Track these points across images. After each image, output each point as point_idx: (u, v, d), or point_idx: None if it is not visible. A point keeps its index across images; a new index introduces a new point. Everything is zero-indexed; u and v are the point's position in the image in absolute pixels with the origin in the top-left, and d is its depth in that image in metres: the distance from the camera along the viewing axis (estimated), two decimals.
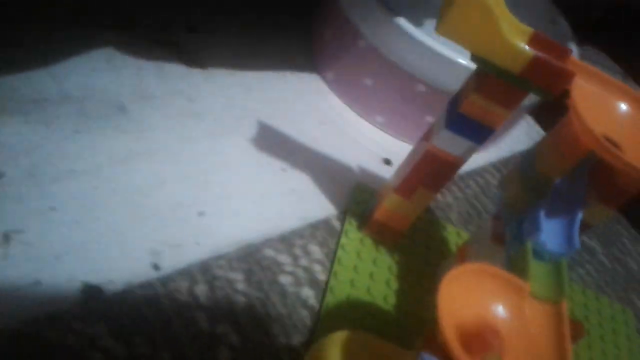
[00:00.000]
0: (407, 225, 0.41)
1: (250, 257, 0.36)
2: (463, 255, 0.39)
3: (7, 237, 0.31)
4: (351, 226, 0.42)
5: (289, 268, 0.37)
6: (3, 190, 0.32)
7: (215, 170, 0.39)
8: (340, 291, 0.38)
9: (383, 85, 0.50)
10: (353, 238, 0.41)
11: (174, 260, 0.34)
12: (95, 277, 0.31)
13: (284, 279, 0.36)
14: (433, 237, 0.45)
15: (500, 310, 0.30)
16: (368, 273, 0.40)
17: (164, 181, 0.37)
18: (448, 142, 0.35)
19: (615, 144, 0.32)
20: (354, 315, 0.37)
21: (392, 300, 0.39)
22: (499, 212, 0.37)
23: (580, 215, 0.33)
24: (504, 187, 0.37)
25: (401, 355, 0.32)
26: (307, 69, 0.51)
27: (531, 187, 0.34)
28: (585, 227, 0.35)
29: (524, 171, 0.35)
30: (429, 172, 0.37)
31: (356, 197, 0.44)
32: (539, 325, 0.30)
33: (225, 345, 0.31)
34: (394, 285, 0.40)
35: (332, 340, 0.31)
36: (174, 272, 0.33)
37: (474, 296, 0.29)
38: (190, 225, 0.36)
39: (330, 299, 0.37)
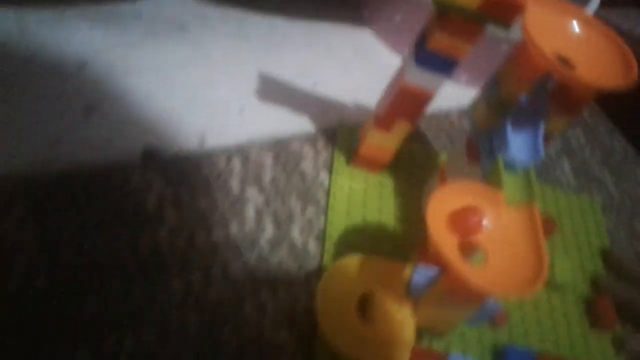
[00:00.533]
0: (390, 155, 0.44)
1: (278, 145, 0.45)
2: (443, 175, 0.43)
3: (88, 108, 0.41)
4: (340, 163, 0.45)
5: (309, 158, 0.45)
6: (86, 76, 0.43)
7: (256, 78, 0.49)
8: (339, 222, 0.41)
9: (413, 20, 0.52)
10: (343, 173, 0.45)
11: (216, 142, 0.43)
12: (153, 143, 0.41)
13: (304, 165, 0.45)
14: (415, 162, 0.48)
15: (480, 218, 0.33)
16: (361, 202, 0.43)
17: (213, 83, 0.47)
18: (419, 77, 0.38)
19: (568, 62, 0.35)
20: (353, 241, 0.41)
21: (385, 222, 0.43)
22: (472, 133, 0.40)
23: (542, 127, 0.36)
24: (473, 109, 0.40)
25: (400, 269, 0.36)
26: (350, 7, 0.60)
27: (496, 107, 0.37)
28: (548, 136, 0.38)
29: (490, 95, 0.38)
30: (405, 106, 0.40)
31: (342, 136, 0.47)
32: (515, 227, 0.34)
33: (251, 204, 0.41)
34: (386, 209, 0.44)
35: (338, 268, 0.36)
36: (216, 149, 0.42)
37: (457, 210, 0.33)
38: (232, 117, 0.45)
39: (330, 231, 0.41)
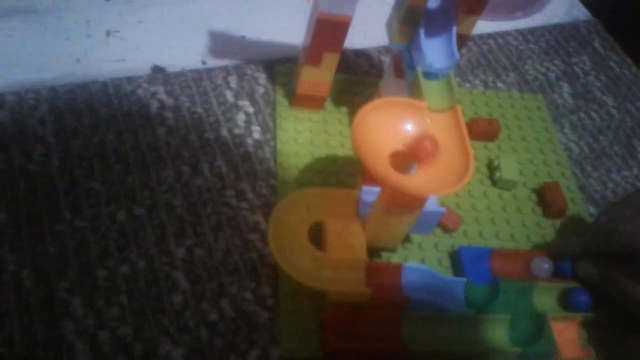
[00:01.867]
0: (327, 90, 0.47)
1: (274, 65, 0.51)
2: (379, 96, 0.46)
3: (108, 33, 0.51)
4: (282, 106, 0.48)
5: None
6: (110, 6, 0.52)
7: (256, 7, 0.56)
8: (288, 164, 0.45)
9: None
10: (286, 116, 0.48)
11: (217, 61, 0.51)
12: (161, 62, 0.50)
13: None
14: (354, 92, 0.51)
15: (408, 129, 0.37)
16: (308, 141, 0.47)
17: (219, 13, 0.55)
18: (330, 4, 0.40)
19: None
20: (305, 179, 0.44)
21: (333, 156, 0.47)
22: (396, 50, 0.43)
23: (454, 31, 0.39)
24: (388, 27, 0.42)
25: (349, 195, 0.40)
26: None
27: (408, 20, 0.40)
28: (462, 39, 0.41)
29: (399, 9, 0.40)
30: (326, 36, 0.42)
31: (279, 79, 0.50)
32: (441, 132, 0.37)
33: (242, 112, 0.48)
34: (332, 143, 0.47)
35: (287, 202, 0.39)
36: (216, 67, 0.50)
37: (384, 125, 0.36)
38: (233, 42, 0.53)
39: (282, 174, 0.44)
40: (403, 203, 0.35)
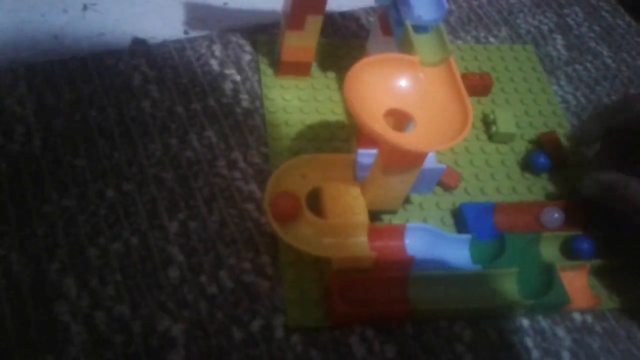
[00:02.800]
0: (312, 55, 0.45)
1: (256, 34, 0.49)
2: (367, 56, 0.44)
3: (85, 6, 0.48)
4: (267, 75, 0.47)
5: None
6: None
7: None
8: (279, 134, 0.43)
9: None
10: (272, 85, 0.46)
11: (199, 30, 0.49)
12: (142, 34, 0.48)
13: None
14: (340, 56, 0.49)
15: (401, 85, 0.35)
16: (297, 109, 0.45)
17: None
18: None
19: None
20: (297, 147, 0.43)
21: (324, 122, 0.45)
22: (381, 7, 0.41)
23: None
24: None
25: (345, 159, 0.39)
26: None
27: None
28: None
29: None
30: None
31: (262, 48, 0.48)
32: (436, 86, 0.35)
33: (229, 81, 0.46)
34: (322, 109, 0.46)
35: (282, 171, 0.38)
36: (199, 36, 0.48)
37: (377, 83, 0.35)
38: (215, 9, 0.51)
39: (273, 145, 0.43)
40: (402, 162, 0.34)
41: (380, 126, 0.33)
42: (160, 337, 0.34)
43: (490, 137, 0.46)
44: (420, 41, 0.37)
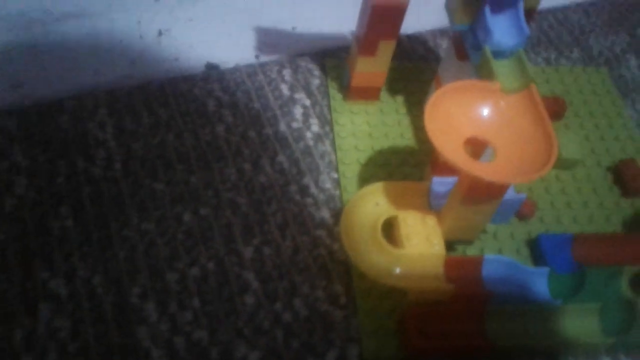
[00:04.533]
0: (383, 80, 0.45)
1: (324, 59, 0.50)
2: (439, 82, 0.44)
3: (160, 32, 0.50)
4: (336, 100, 0.47)
5: None
6: (160, 5, 0.51)
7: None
8: (349, 159, 0.43)
9: None
10: (342, 110, 0.46)
11: (269, 55, 0.50)
12: (215, 59, 0.49)
13: None
14: (409, 79, 0.49)
15: (482, 113, 0.35)
16: (367, 134, 0.45)
17: (268, 5, 0.53)
18: None
19: None
20: (368, 173, 0.43)
21: (395, 147, 0.45)
22: (456, 32, 0.41)
23: (521, 4, 0.37)
24: (449, 6, 0.40)
25: (419, 187, 0.38)
26: None
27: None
28: (530, 12, 0.38)
29: None
30: (382, 23, 0.40)
31: (331, 73, 0.48)
32: (518, 114, 0.35)
33: (299, 105, 0.47)
34: (392, 134, 0.46)
35: (356, 200, 0.38)
36: (269, 61, 0.49)
37: (456, 111, 0.34)
38: (284, 34, 0.51)
39: (343, 170, 0.43)
40: (483, 192, 0.34)
41: (461, 157, 0.32)
42: None
43: (555, 163, 0.45)
44: (500, 67, 0.36)
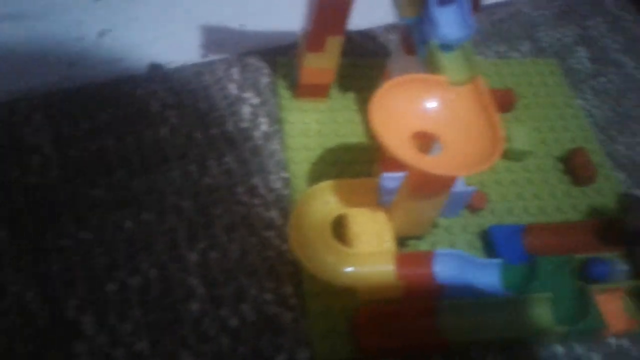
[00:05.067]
0: (332, 76, 0.44)
1: (277, 54, 0.48)
2: (388, 77, 0.42)
3: (102, 33, 0.48)
4: (285, 99, 0.45)
5: None
6: (100, 6, 0.49)
7: None
8: (299, 158, 0.42)
9: None
10: (291, 108, 0.45)
11: (217, 53, 0.48)
12: (159, 59, 0.47)
13: None
14: (359, 76, 0.48)
15: (429, 106, 0.34)
16: (317, 132, 0.44)
17: (215, 3, 0.51)
18: None
19: None
20: (319, 172, 0.42)
21: (346, 145, 0.44)
22: (404, 26, 0.40)
23: None
24: (396, 1, 0.39)
25: (368, 184, 0.37)
26: None
27: None
28: (475, 5, 0.37)
29: None
30: (328, 19, 0.40)
31: (280, 70, 0.47)
32: (465, 106, 0.34)
33: (248, 105, 0.45)
34: (343, 132, 0.45)
35: (305, 199, 0.36)
36: (217, 60, 0.48)
37: (403, 105, 0.33)
38: (232, 32, 0.50)
39: (294, 169, 0.42)
40: (431, 186, 0.33)
41: (408, 151, 0.31)
42: None
43: (505, 154, 0.45)
44: (447, 60, 0.36)
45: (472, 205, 0.41)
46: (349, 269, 0.34)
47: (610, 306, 0.37)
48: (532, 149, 0.45)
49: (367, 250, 0.35)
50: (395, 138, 0.32)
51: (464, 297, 0.35)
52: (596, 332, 0.36)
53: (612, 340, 0.37)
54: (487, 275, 0.36)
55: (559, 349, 0.36)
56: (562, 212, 0.43)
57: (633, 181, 0.46)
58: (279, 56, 0.48)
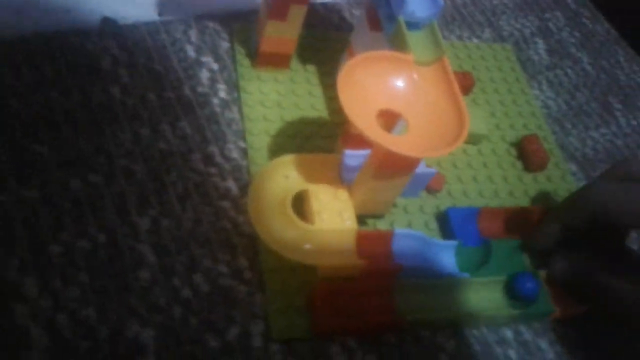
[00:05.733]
0: (293, 47, 0.43)
1: (235, 19, 0.46)
2: (352, 53, 0.42)
3: None
4: (244, 67, 0.44)
5: None
6: None
7: None
8: (257, 129, 0.41)
9: None
10: (250, 77, 0.43)
11: (173, 13, 0.45)
12: (111, 13, 0.44)
13: None
14: (321, 48, 0.47)
15: (395, 84, 0.33)
16: (276, 104, 0.43)
17: None
18: None
19: None
20: (277, 144, 0.41)
21: (306, 118, 0.43)
22: (370, 1, 0.39)
23: None
24: None
25: (330, 160, 0.37)
26: None
27: None
28: None
29: None
30: None
31: (239, 37, 0.45)
32: (430, 86, 0.34)
33: (206, 69, 0.43)
34: (303, 104, 0.43)
35: (264, 173, 0.35)
36: (174, 19, 0.45)
37: (369, 82, 0.33)
38: None
39: (251, 141, 0.40)
40: (396, 166, 0.33)
41: (375, 129, 0.31)
42: (129, 344, 0.31)
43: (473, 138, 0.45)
44: (413, 38, 0.35)
45: (431, 186, 0.41)
46: (309, 246, 0.33)
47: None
48: (488, 133, 0.45)
49: (328, 228, 0.34)
50: (361, 115, 0.31)
51: (421, 276, 0.35)
52: (546, 316, 0.37)
53: (557, 326, 0.38)
54: (443, 256, 0.37)
55: (509, 333, 0.37)
56: (514, 196, 0.43)
57: (583, 174, 0.47)
58: (237, 22, 0.46)
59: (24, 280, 0.31)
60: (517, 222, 0.40)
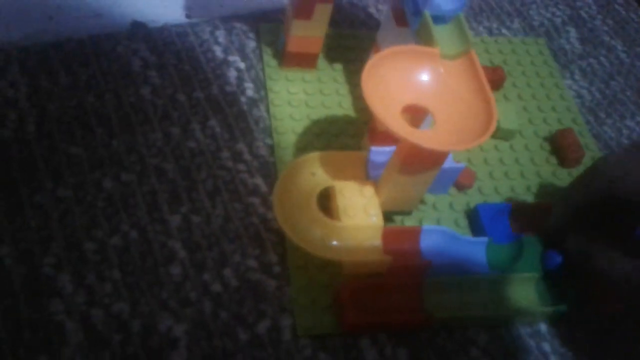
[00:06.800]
0: (319, 46, 0.43)
1: (259, 24, 0.47)
2: (378, 50, 0.42)
3: None
4: (271, 67, 0.44)
5: None
6: None
7: None
8: (284, 128, 0.41)
9: None
10: (277, 77, 0.44)
11: (200, 15, 0.46)
12: (141, 17, 0.45)
13: None
14: (348, 47, 0.47)
15: (421, 79, 0.33)
16: (303, 103, 0.43)
17: None
18: None
19: None
20: (304, 142, 0.41)
21: (332, 117, 0.43)
22: None
23: None
24: None
25: (356, 157, 0.36)
26: None
27: None
28: None
29: None
30: None
31: (265, 37, 0.46)
32: (457, 80, 0.33)
33: (233, 69, 0.44)
34: (330, 103, 0.44)
35: (295, 166, 0.35)
36: (201, 21, 0.46)
37: (395, 77, 0.32)
38: None
39: (278, 140, 0.41)
40: (421, 161, 0.32)
41: (400, 124, 0.31)
42: (161, 338, 0.32)
43: (493, 133, 0.44)
44: (440, 32, 0.35)
45: (460, 182, 0.40)
46: (335, 243, 0.33)
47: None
48: (521, 128, 0.45)
49: (354, 224, 0.34)
50: (387, 111, 0.31)
51: (450, 274, 0.35)
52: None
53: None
54: (473, 253, 0.36)
55: (543, 327, 0.37)
56: (548, 192, 0.42)
57: None
58: (263, 22, 0.47)
59: (59, 276, 0.32)
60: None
